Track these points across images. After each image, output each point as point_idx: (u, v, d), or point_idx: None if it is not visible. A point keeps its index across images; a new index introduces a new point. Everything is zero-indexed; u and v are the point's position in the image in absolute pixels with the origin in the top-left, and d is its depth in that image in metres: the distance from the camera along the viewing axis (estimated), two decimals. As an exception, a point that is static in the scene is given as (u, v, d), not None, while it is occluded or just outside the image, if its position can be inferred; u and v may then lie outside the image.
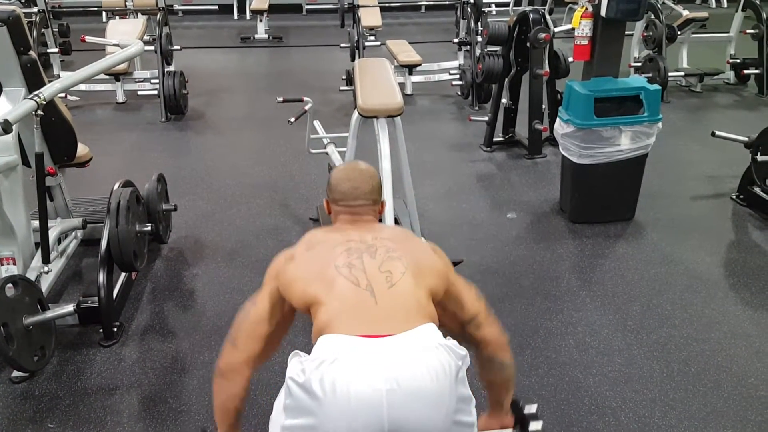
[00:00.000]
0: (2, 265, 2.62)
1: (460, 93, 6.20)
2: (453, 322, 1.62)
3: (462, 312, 1.60)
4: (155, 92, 5.68)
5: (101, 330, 2.63)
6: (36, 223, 2.66)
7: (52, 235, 2.82)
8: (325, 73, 7.03)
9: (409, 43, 6.73)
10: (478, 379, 1.70)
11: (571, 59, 4.20)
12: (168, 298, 2.96)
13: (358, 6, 6.75)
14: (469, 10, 6.29)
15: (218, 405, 1.61)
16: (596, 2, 3.49)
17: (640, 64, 6.15)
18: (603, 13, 3.44)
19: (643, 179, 3.59)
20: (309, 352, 1.39)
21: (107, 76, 5.87)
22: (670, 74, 5.85)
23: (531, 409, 1.78)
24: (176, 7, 10.47)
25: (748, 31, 6.28)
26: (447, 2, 8.46)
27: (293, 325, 2.59)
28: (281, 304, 1.57)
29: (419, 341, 1.34)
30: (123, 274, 2.89)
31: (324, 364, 1.29)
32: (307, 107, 3.54)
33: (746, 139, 3.78)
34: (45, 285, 2.66)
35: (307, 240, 1.63)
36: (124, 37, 4.61)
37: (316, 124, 3.80)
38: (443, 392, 1.30)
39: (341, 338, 1.33)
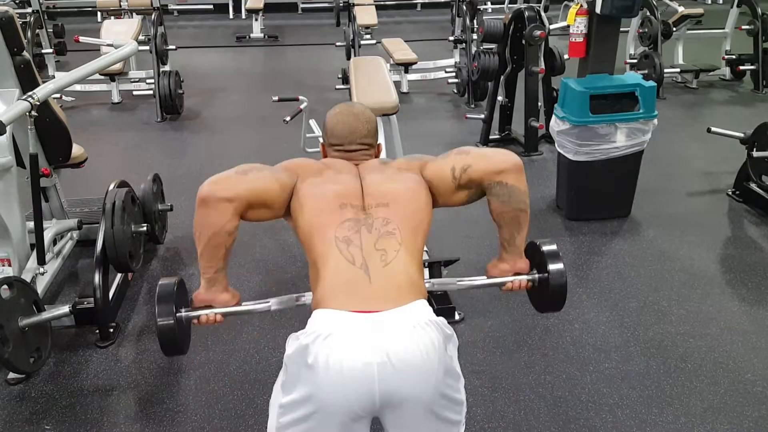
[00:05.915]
0: (-2, 266, 2.62)
1: (456, 91, 6.20)
2: (454, 195, 1.65)
3: (446, 182, 1.62)
4: (151, 92, 5.68)
5: (97, 331, 2.62)
6: (31, 224, 2.65)
7: (48, 236, 2.81)
8: (320, 71, 7.03)
9: (405, 41, 6.74)
10: (492, 218, 1.61)
11: (566, 56, 4.20)
12: (164, 299, 2.94)
13: (354, 4, 6.75)
14: (464, 7, 6.30)
15: (204, 243, 1.48)
16: (591, -1, 3.50)
17: (635, 60, 6.16)
18: (598, 10, 3.44)
19: (639, 176, 3.59)
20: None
21: (102, 77, 5.87)
22: (665, 71, 5.85)
23: (549, 247, 1.60)
24: (171, 6, 10.46)
25: (743, 27, 6.30)
26: (442, 0, 8.46)
27: (289, 319, 2.58)
28: (288, 190, 1.56)
29: (410, 317, 1.37)
30: (119, 275, 2.88)
31: (318, 339, 1.32)
32: (302, 106, 3.54)
33: (742, 135, 3.78)
34: (41, 286, 2.65)
35: (323, 166, 1.63)
36: (119, 37, 4.62)
37: (312, 122, 3.79)
38: (432, 365, 1.33)
39: (335, 313, 1.37)
